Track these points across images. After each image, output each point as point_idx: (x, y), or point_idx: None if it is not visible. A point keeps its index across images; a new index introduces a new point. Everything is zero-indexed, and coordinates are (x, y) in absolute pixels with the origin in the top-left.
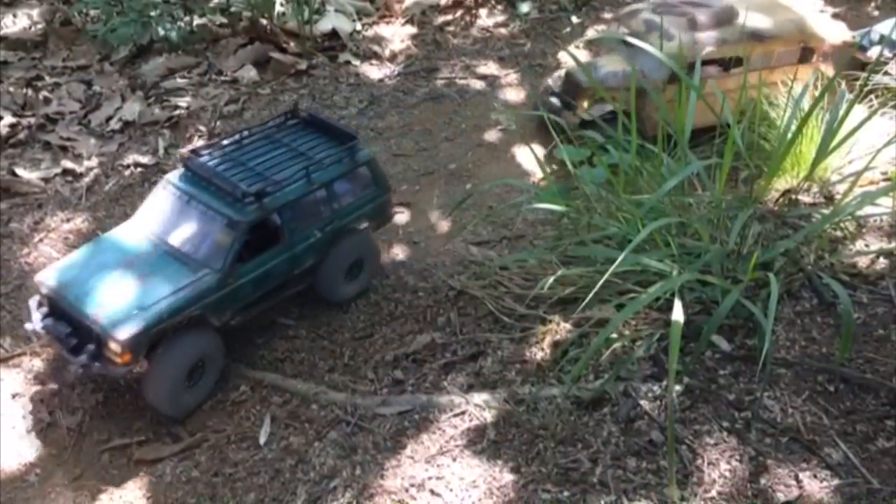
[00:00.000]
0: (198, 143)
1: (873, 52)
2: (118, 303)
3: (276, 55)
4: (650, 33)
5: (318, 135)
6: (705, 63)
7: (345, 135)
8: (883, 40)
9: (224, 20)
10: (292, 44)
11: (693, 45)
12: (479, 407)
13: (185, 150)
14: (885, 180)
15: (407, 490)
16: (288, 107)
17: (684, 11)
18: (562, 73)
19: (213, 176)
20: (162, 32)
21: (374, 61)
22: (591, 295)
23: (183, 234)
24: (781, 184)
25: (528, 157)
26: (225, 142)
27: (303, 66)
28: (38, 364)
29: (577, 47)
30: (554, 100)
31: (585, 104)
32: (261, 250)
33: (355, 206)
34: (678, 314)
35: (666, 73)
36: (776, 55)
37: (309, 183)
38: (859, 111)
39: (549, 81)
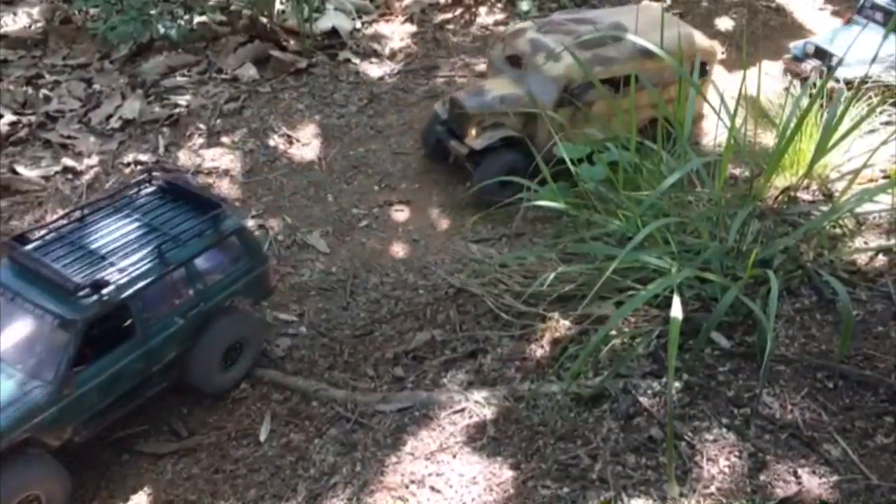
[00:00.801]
0: (196, 140)
1: (807, 65)
2: None
3: (275, 53)
4: (537, 54)
5: (177, 204)
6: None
7: (208, 203)
8: (817, 52)
9: (224, 18)
10: (292, 42)
11: (579, 68)
12: (478, 404)
13: (7, 240)
14: (884, 178)
15: (407, 486)
16: (148, 170)
17: (571, 30)
18: (447, 99)
19: (41, 266)
20: (162, 31)
21: (373, 59)
22: (591, 293)
23: (7, 341)
24: (781, 181)
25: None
26: (62, 221)
27: (302, 64)
28: None
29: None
30: (441, 129)
31: (474, 132)
32: (108, 349)
33: (225, 282)
34: (677, 310)
35: (555, 95)
36: (668, 71)
37: (163, 264)
38: (858, 109)
39: (436, 108)
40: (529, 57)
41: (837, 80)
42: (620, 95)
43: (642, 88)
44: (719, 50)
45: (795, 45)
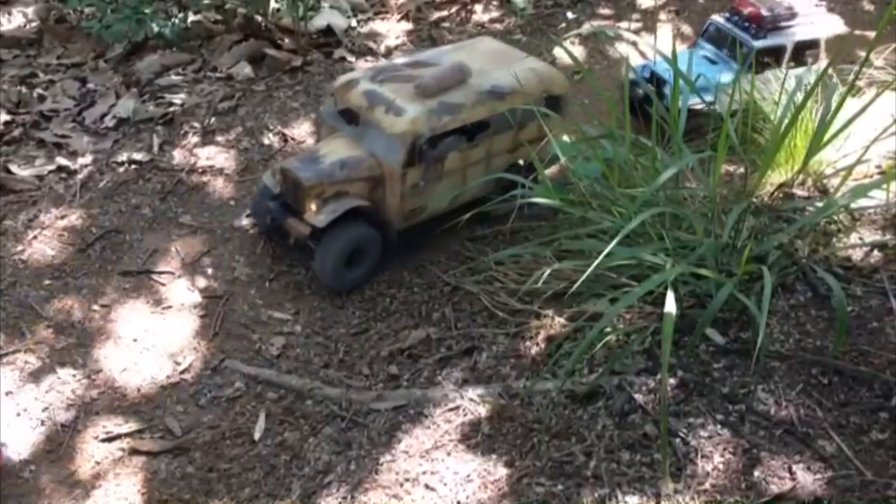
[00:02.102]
0: (190, 139)
1: (640, 91)
2: None
3: (270, 52)
4: (374, 108)
5: None
6: (444, 135)
7: None
8: (652, 78)
9: (218, 17)
10: (287, 40)
11: (428, 117)
12: (473, 401)
13: None
14: (879, 173)
15: (401, 485)
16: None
17: (410, 76)
18: (277, 169)
19: None
20: (156, 29)
21: (369, 57)
22: (579, 284)
23: None
24: (776, 177)
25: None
26: None
27: (298, 62)
28: (32, 361)
29: (573, 43)
30: (274, 205)
31: (313, 207)
32: None
33: None
34: (671, 306)
35: (402, 154)
36: (519, 113)
37: None
38: (853, 105)
39: (265, 180)
40: (367, 112)
41: (667, 109)
42: (474, 144)
43: (497, 133)
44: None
45: (635, 68)
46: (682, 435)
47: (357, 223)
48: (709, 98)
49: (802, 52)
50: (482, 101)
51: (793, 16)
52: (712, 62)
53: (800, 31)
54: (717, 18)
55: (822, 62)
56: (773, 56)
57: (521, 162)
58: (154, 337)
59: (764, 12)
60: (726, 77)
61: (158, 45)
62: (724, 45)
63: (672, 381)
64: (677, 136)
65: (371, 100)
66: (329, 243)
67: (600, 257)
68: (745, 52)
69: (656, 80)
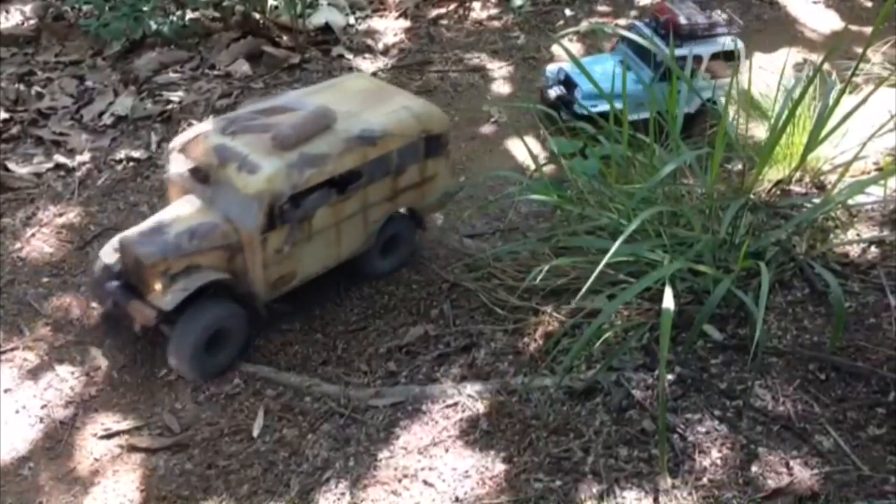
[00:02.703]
0: None
1: (552, 92)
2: None
3: (268, 49)
4: (226, 165)
5: None
6: (310, 190)
7: None
8: (566, 81)
9: (216, 14)
10: (285, 38)
11: (287, 173)
12: (471, 398)
13: None
14: (876, 169)
15: (400, 481)
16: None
17: (265, 125)
18: (116, 245)
19: None
20: (154, 27)
21: (367, 55)
22: (585, 286)
23: None
24: (773, 174)
25: (522, 149)
26: None
27: (296, 59)
28: (30, 358)
29: (570, 40)
30: (115, 286)
31: (158, 286)
32: None
33: None
34: (669, 302)
35: (261, 217)
36: (395, 157)
37: None
38: (851, 101)
39: (102, 256)
40: (218, 170)
41: (577, 115)
42: (346, 197)
43: (371, 182)
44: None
45: (550, 69)
46: (679, 431)
47: (215, 300)
48: (617, 105)
49: (721, 62)
50: (351, 149)
51: (712, 25)
52: (628, 68)
53: (717, 43)
54: (638, 23)
55: (741, 74)
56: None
57: (402, 210)
58: (152, 334)
59: (681, 20)
60: (634, 86)
61: (156, 42)
62: (641, 51)
63: (670, 376)
64: (675, 133)
65: (222, 156)
66: (184, 328)
67: (606, 257)
68: (659, 60)
69: (568, 83)
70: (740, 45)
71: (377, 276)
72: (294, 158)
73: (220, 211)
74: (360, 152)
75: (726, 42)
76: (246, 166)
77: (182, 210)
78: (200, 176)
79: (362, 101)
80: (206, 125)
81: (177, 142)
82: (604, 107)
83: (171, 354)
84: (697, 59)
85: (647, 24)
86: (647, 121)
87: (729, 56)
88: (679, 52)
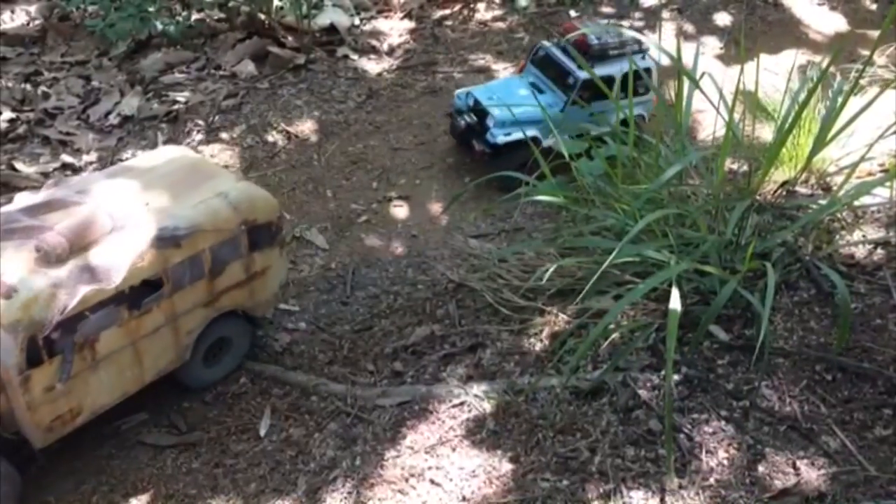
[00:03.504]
0: (195, 136)
1: (462, 121)
2: None
3: (274, 50)
4: None
5: None
6: (98, 306)
7: None
8: (476, 107)
9: (222, 15)
10: (290, 38)
11: (51, 295)
12: (478, 397)
13: None
14: (882, 171)
15: (406, 480)
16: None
17: (30, 229)
18: None
19: None
20: (160, 27)
21: (372, 56)
22: (588, 285)
23: None
24: (779, 175)
25: None
26: None
27: (301, 60)
28: None
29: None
30: None
31: None
32: None
33: None
34: (675, 303)
35: (17, 353)
36: (209, 256)
37: None
38: (856, 103)
39: None
40: None
41: (490, 145)
42: (143, 312)
43: (179, 289)
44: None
45: (459, 95)
46: (686, 431)
47: None
48: (531, 132)
49: (634, 82)
50: (146, 254)
51: (622, 44)
52: (539, 90)
53: (629, 60)
54: (546, 43)
55: (651, 94)
56: (600, 87)
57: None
58: None
59: (591, 41)
60: (548, 111)
61: (162, 43)
62: (552, 73)
63: (676, 377)
64: (681, 134)
65: None
66: None
67: (611, 256)
68: (571, 82)
69: (479, 110)
70: (652, 63)
71: (202, 388)
72: (63, 275)
73: None
74: (160, 257)
75: (638, 60)
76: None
77: None
78: None
79: (169, 188)
80: None
81: None
82: (521, 134)
83: None
84: (609, 80)
85: (555, 44)
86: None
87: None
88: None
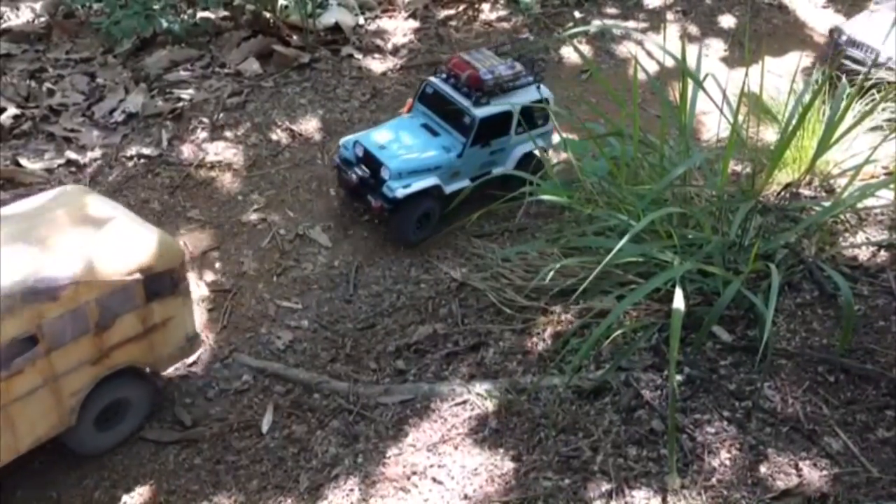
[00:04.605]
0: (199, 134)
1: (353, 175)
2: None
3: (278, 48)
4: None
5: None
6: None
7: None
8: (366, 158)
9: (227, 13)
10: (295, 37)
11: None
12: (480, 396)
13: None
14: (886, 174)
15: (408, 478)
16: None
17: None
18: None
19: None
20: (165, 25)
21: (376, 55)
22: (590, 280)
23: None
24: (783, 177)
25: None
26: None
27: (305, 59)
28: None
29: (580, 41)
30: None
31: None
32: None
33: None
34: (679, 302)
35: None
36: (98, 308)
37: None
38: (860, 107)
39: None
40: None
41: (389, 199)
42: (15, 372)
43: (60, 346)
44: (186, 251)
45: (345, 144)
46: (688, 431)
47: None
48: (432, 181)
49: (531, 113)
50: (16, 310)
51: (516, 76)
52: (433, 132)
53: (526, 93)
54: (434, 80)
55: (551, 124)
56: (498, 124)
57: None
58: None
59: (484, 75)
60: (446, 155)
61: (167, 40)
62: (445, 112)
63: (679, 377)
64: (685, 135)
65: None
66: None
67: (611, 254)
68: (468, 122)
69: (370, 161)
70: (547, 92)
71: (96, 454)
72: None
73: None
74: (31, 312)
75: (533, 91)
76: None
77: None
78: None
79: (53, 234)
80: None
81: None
82: (421, 184)
83: None
84: (507, 116)
85: (444, 80)
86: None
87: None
88: (489, 109)
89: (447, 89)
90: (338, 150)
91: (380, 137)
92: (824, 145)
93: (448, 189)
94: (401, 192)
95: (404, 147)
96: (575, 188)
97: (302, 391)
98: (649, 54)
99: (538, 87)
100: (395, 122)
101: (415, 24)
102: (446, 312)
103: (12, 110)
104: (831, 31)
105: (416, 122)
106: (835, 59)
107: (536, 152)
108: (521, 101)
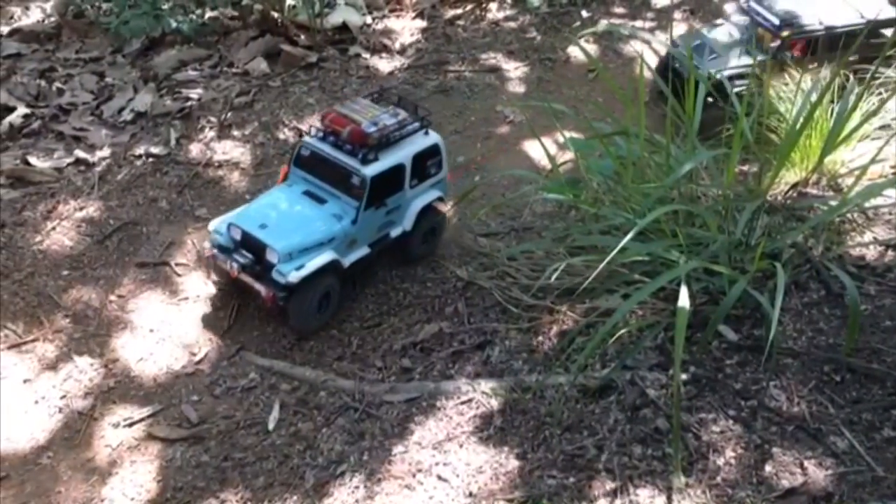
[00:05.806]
0: (207, 133)
1: (233, 263)
2: None
3: (286, 48)
4: None
5: None
6: None
7: None
8: (246, 241)
9: (235, 13)
10: (303, 37)
11: None
12: (486, 394)
13: None
14: (893, 173)
15: (414, 475)
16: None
17: None
18: None
19: None
20: (174, 25)
21: (383, 54)
22: (593, 277)
23: None
24: (790, 176)
25: (537, 149)
26: None
27: (313, 58)
28: (50, 350)
29: (588, 41)
30: None
31: None
32: None
33: None
34: (684, 301)
35: None
36: None
37: None
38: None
39: None
40: None
41: (280, 286)
42: None
43: None
44: None
45: (217, 229)
46: (693, 430)
47: None
48: (328, 256)
49: (423, 162)
50: None
51: (402, 124)
52: (319, 200)
53: (414, 141)
54: (310, 140)
55: (445, 170)
56: (391, 180)
57: None
58: (170, 327)
59: (367, 129)
60: (338, 224)
61: (176, 40)
62: (328, 175)
63: (684, 376)
64: (691, 134)
65: None
66: None
67: (614, 251)
68: (357, 182)
69: (251, 244)
70: (436, 136)
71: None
72: None
73: None
74: None
75: (422, 137)
76: None
77: None
78: None
79: None
80: None
81: None
82: (317, 262)
83: None
84: (400, 169)
85: (321, 139)
86: (365, 259)
87: (432, 153)
88: (379, 165)
89: (328, 149)
90: (209, 237)
91: (258, 215)
92: (831, 144)
93: (347, 261)
94: (294, 276)
95: (289, 222)
96: (581, 187)
97: (308, 389)
98: (657, 53)
99: (426, 132)
100: (273, 195)
101: (422, 23)
102: (452, 311)
103: (22, 109)
104: None
105: (297, 190)
106: None
107: (436, 204)
108: (412, 151)
